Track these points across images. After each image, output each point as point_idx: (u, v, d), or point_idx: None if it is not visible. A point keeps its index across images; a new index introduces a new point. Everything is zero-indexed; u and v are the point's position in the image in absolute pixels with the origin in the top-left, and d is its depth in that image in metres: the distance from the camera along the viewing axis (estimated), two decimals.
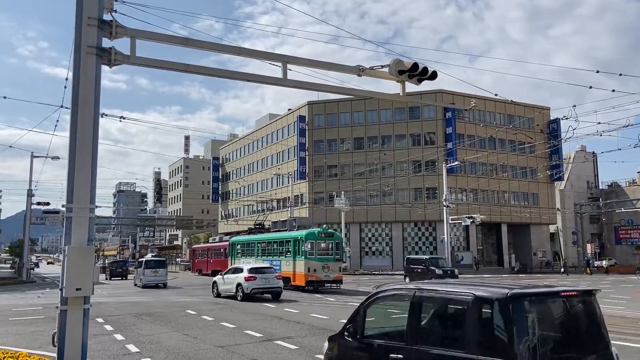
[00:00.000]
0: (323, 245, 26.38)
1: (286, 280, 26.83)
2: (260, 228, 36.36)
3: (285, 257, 27.67)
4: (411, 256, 39.66)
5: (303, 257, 25.80)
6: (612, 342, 4.87)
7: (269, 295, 21.86)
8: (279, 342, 11.07)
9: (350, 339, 5.62)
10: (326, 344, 6.13)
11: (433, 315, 5.08)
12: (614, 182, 72.14)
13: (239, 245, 34.43)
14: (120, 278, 43.03)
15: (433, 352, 4.67)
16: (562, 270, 48.14)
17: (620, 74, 17.01)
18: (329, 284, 26.11)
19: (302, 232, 26.95)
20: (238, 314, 16.43)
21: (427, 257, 36.39)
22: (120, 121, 15.33)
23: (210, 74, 8.50)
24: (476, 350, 4.31)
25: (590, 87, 16.60)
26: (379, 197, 53.18)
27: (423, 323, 5.03)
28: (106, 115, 15.01)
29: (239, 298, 21.45)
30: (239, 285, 21.55)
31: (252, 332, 12.42)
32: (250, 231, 36.99)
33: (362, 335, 5.52)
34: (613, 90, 17.08)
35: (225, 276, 23.13)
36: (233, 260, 33.41)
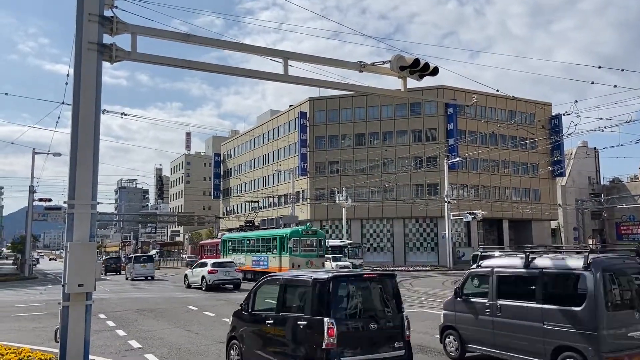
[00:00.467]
0: (307, 242, 27.67)
1: None
2: (250, 226, 37.44)
3: (272, 253, 28.63)
4: (485, 253, 27.47)
5: (288, 253, 26.93)
6: None
7: (231, 286, 24.56)
8: None
9: (244, 312, 7.98)
10: (231, 317, 8.39)
11: (291, 292, 7.27)
12: (615, 178, 71.90)
13: (230, 242, 35.31)
14: (114, 273, 46.24)
15: (290, 315, 6.93)
16: None
17: (623, 70, 17.00)
18: None
19: (287, 230, 28.35)
20: None
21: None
22: (122, 117, 15.37)
23: (212, 70, 8.48)
24: (311, 313, 6.52)
25: (592, 83, 16.32)
26: (380, 193, 53.15)
27: (286, 298, 7.25)
28: (107, 111, 15.06)
29: (203, 288, 23.97)
30: (203, 277, 24.33)
31: None
32: (241, 229, 37.94)
33: (252, 309, 7.87)
34: (615, 86, 17.08)
35: (194, 270, 26.18)
36: (225, 256, 34.24)
